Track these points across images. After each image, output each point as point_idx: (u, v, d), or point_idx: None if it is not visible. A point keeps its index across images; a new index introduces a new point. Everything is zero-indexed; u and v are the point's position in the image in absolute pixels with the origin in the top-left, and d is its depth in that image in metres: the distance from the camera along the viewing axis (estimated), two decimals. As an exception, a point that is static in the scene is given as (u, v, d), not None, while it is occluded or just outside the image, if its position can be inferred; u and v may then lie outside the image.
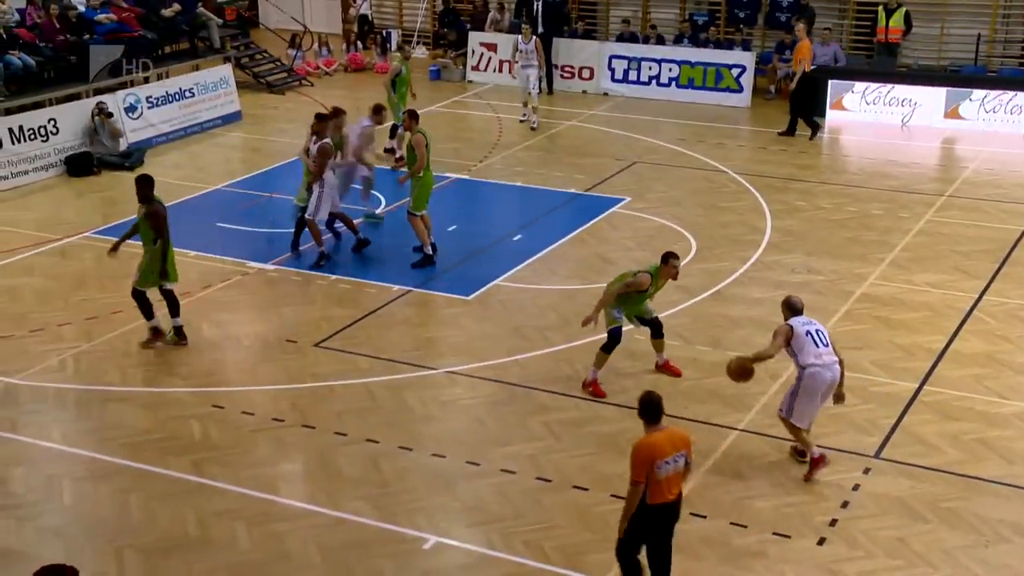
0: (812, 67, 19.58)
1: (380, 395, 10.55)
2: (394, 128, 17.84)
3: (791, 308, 9.18)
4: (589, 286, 12.92)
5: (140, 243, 11.42)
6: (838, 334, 11.68)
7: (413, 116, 13.39)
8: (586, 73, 22.28)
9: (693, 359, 11.19)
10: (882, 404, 10.34)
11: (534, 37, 19.83)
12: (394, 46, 25.63)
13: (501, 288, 12.94)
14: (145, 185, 11.13)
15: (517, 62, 20.07)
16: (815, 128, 18.95)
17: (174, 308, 11.47)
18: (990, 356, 11.26)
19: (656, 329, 10.85)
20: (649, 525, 7.21)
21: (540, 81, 20.01)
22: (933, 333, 11.74)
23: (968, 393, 10.53)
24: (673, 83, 21.76)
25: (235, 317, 12.28)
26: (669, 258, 10.43)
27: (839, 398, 9.12)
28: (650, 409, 7.13)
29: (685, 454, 7.20)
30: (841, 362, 8.97)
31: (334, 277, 13.17)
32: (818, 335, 8.95)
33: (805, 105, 18.93)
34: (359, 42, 24.85)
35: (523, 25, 20.70)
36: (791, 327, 8.97)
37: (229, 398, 10.47)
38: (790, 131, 19.06)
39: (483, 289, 12.85)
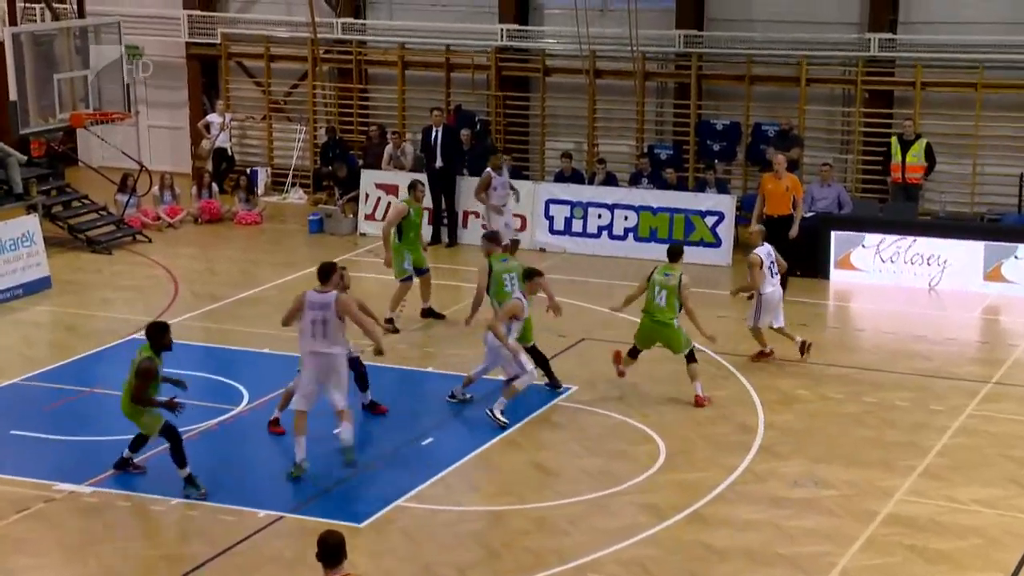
0: (807, 212, 20.32)
1: (237, 666, 10.25)
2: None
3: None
4: (524, 506, 12.88)
5: None
6: (859, 569, 11.72)
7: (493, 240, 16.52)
8: (515, 222, 22.76)
9: (667, 606, 11.11)
10: (923, 664, 10.30)
11: (506, 166, 21.37)
12: (261, 189, 26.02)
13: (405, 511, 12.84)
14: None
15: (488, 204, 20.99)
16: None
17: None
18: (1063, 598, 11.35)
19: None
20: None
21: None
22: (987, 569, 11.80)
23: (1037, 648, 10.55)
24: (630, 235, 22.30)
25: (35, 562, 11.93)
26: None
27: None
28: (325, 551, 8.40)
29: None
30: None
31: (176, 501, 12.96)
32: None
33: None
34: (214, 184, 25.15)
35: (492, 152, 21.95)
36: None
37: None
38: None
39: (380, 512, 12.74)
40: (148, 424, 13.19)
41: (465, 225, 22.92)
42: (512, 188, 21.36)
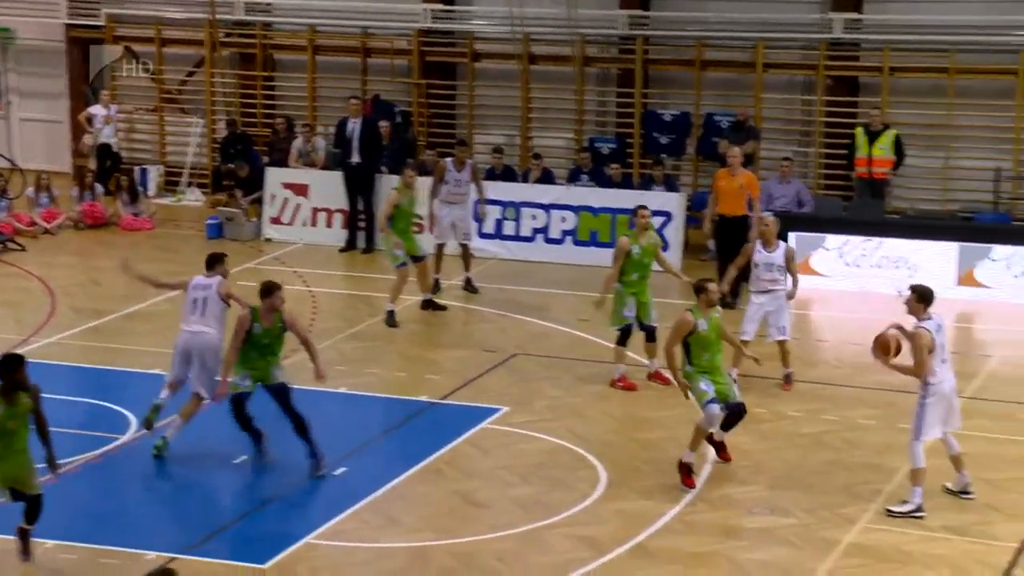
0: (764, 211, 20.49)
1: None
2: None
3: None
4: (449, 541, 12.92)
5: None
6: (818, 603, 11.90)
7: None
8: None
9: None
10: None
11: (469, 162, 20.83)
12: (152, 189, 25.91)
13: (314, 549, 12.82)
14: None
15: (439, 202, 20.51)
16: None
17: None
18: (1041, 634, 11.55)
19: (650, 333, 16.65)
20: None
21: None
22: (956, 601, 12.01)
23: None
24: (569, 238, 22.45)
25: None
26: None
27: None
28: None
29: None
30: None
31: (51, 544, 12.84)
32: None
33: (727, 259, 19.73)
34: (98, 185, 25.00)
35: (457, 145, 21.56)
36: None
37: None
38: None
39: (286, 552, 12.69)
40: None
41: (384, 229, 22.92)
42: (479, 193, 20.82)
